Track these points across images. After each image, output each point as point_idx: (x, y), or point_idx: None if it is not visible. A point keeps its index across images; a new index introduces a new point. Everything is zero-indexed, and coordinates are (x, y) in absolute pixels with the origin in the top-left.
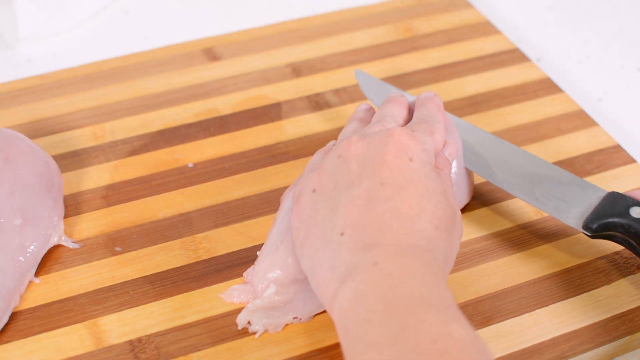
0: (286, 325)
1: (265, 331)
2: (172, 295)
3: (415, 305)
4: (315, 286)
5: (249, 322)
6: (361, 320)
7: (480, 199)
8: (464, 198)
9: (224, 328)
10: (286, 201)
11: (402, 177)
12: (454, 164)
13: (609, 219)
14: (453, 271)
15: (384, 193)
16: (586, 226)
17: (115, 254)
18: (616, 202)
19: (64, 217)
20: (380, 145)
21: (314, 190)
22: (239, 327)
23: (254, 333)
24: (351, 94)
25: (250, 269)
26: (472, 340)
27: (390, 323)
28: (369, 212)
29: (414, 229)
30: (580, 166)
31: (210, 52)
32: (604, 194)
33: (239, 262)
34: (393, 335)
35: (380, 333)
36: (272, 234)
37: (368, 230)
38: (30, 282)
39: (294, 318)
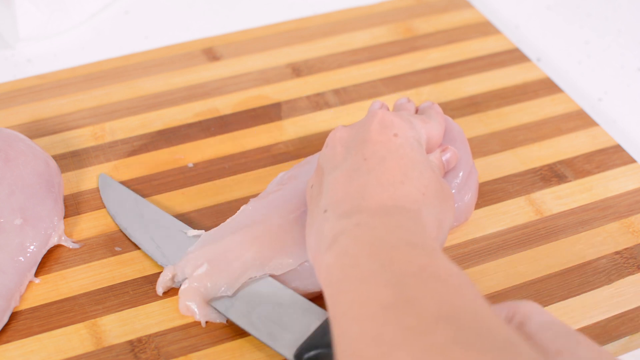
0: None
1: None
2: (172, 295)
3: (402, 246)
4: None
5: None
6: (346, 266)
7: (480, 199)
8: (465, 215)
9: (224, 328)
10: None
11: (385, 150)
12: (460, 175)
13: (319, 349)
14: None
15: (366, 167)
16: (296, 356)
17: (115, 254)
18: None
19: (64, 217)
20: (364, 125)
21: (312, 186)
22: (182, 312)
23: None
24: (351, 94)
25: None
26: (458, 271)
27: (376, 260)
28: (350, 185)
29: (398, 194)
30: (580, 166)
31: (210, 52)
32: (324, 318)
33: None
34: (379, 268)
35: (365, 269)
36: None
37: (349, 200)
38: (30, 282)
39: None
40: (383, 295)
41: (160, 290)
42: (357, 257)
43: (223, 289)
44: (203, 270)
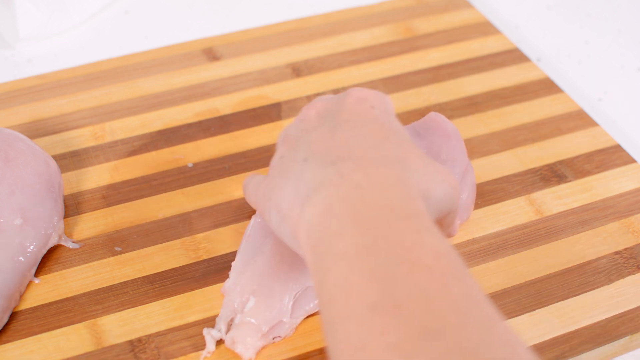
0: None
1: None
2: (172, 295)
3: (386, 215)
4: (278, 223)
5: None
6: (329, 234)
7: (480, 199)
8: (466, 213)
9: None
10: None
11: (365, 118)
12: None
13: None
14: None
15: (348, 126)
16: None
17: (115, 254)
18: None
19: (64, 217)
20: (340, 99)
21: (281, 157)
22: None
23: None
24: None
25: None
26: (446, 250)
27: (361, 235)
28: (333, 139)
29: (383, 146)
30: (580, 166)
31: (210, 52)
32: None
33: None
34: (364, 247)
35: (350, 245)
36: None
37: (333, 151)
38: (30, 282)
39: (273, 338)
40: (368, 291)
41: (212, 346)
42: (339, 222)
43: (276, 314)
44: (253, 304)
